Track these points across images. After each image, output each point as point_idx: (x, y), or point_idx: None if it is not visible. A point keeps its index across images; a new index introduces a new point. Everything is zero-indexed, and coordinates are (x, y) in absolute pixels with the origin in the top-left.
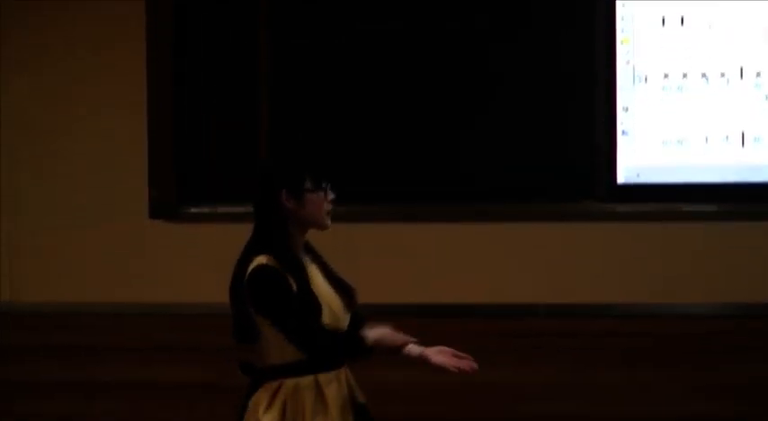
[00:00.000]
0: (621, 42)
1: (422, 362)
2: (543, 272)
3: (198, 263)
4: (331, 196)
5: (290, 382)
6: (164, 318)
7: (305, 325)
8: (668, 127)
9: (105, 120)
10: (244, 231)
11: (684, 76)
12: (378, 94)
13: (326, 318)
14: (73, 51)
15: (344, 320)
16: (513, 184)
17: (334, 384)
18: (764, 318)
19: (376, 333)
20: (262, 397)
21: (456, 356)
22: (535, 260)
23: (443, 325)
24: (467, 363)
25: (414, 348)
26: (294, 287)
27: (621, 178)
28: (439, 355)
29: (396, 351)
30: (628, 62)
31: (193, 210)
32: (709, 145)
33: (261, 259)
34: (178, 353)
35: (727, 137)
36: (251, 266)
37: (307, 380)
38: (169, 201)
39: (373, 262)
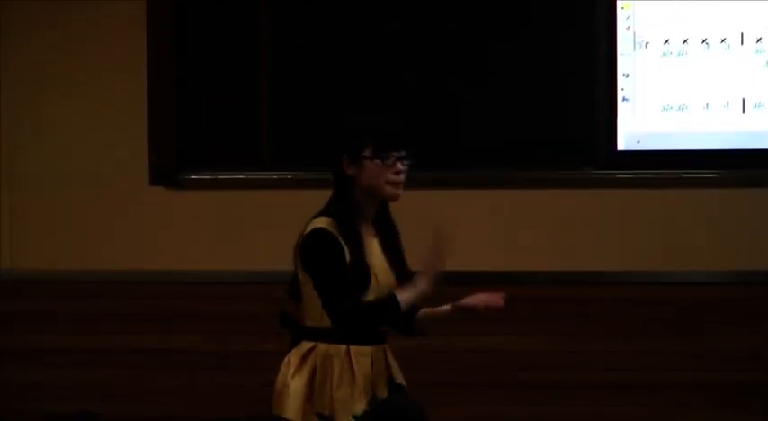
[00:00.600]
0: (622, 8)
1: (456, 311)
2: (543, 239)
3: (198, 230)
4: (399, 167)
5: (322, 347)
6: (164, 286)
7: (340, 294)
8: (669, 93)
9: (105, 86)
10: (244, 198)
11: (685, 41)
12: (375, 60)
13: (373, 293)
14: (72, 16)
15: None
16: (514, 151)
17: (367, 359)
18: (765, 286)
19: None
20: (294, 357)
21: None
22: (535, 227)
23: (442, 292)
24: (492, 298)
25: (445, 307)
26: (347, 255)
27: (622, 145)
28: (468, 300)
29: (433, 319)
30: (628, 28)
31: (193, 176)
32: (710, 111)
33: (320, 221)
34: (178, 321)
35: (727, 103)
36: (309, 227)
37: (338, 348)
38: (169, 167)
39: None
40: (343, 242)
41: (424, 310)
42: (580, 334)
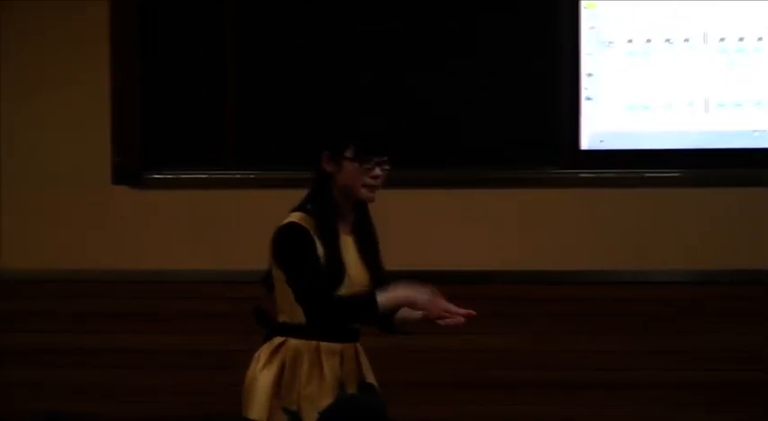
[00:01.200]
0: (586, 7)
1: (425, 319)
2: (507, 238)
3: (161, 229)
4: (378, 172)
5: (292, 342)
6: (126, 285)
7: (313, 287)
8: (632, 93)
9: (69, 86)
10: (207, 197)
11: (648, 41)
12: (339, 60)
13: (345, 290)
14: (35, 16)
15: None
16: (478, 151)
17: (336, 356)
18: (726, 285)
19: (393, 297)
20: (264, 352)
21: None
22: (499, 226)
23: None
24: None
25: (415, 314)
26: (320, 250)
27: (585, 144)
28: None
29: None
30: (592, 27)
31: (157, 176)
32: (673, 111)
33: (294, 216)
34: (139, 320)
35: (690, 102)
36: (284, 221)
37: (308, 344)
38: (133, 167)
39: None
40: (316, 237)
41: (404, 312)
42: (546, 332)
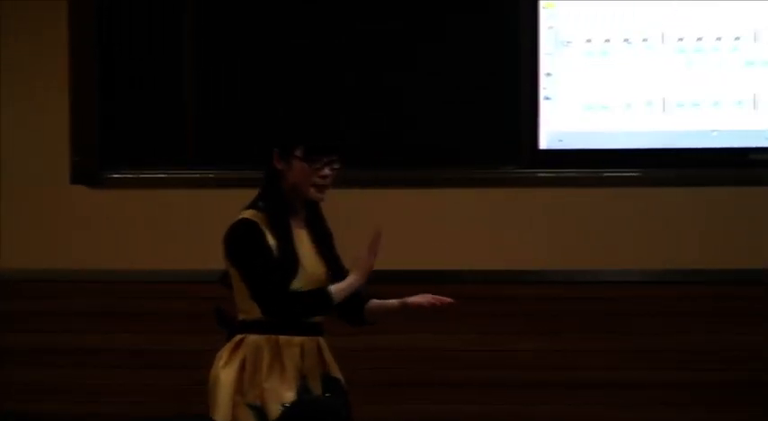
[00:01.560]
0: (545, 7)
1: (403, 307)
2: (466, 237)
3: (120, 229)
4: (327, 172)
5: (251, 338)
6: (85, 285)
7: (268, 282)
8: (591, 92)
9: (27, 85)
10: (166, 197)
11: (607, 41)
12: (298, 60)
13: (300, 283)
14: None
15: None
16: (437, 150)
17: (297, 349)
18: (685, 284)
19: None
20: (225, 350)
21: (433, 297)
22: (458, 226)
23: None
24: (439, 299)
25: (395, 301)
26: (274, 245)
27: (544, 144)
28: (416, 298)
29: (383, 311)
30: (551, 27)
31: (115, 175)
32: (632, 110)
33: (246, 213)
34: (98, 319)
35: (649, 102)
36: (235, 219)
37: (268, 339)
38: (91, 166)
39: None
40: (269, 232)
41: (375, 302)
42: (504, 332)
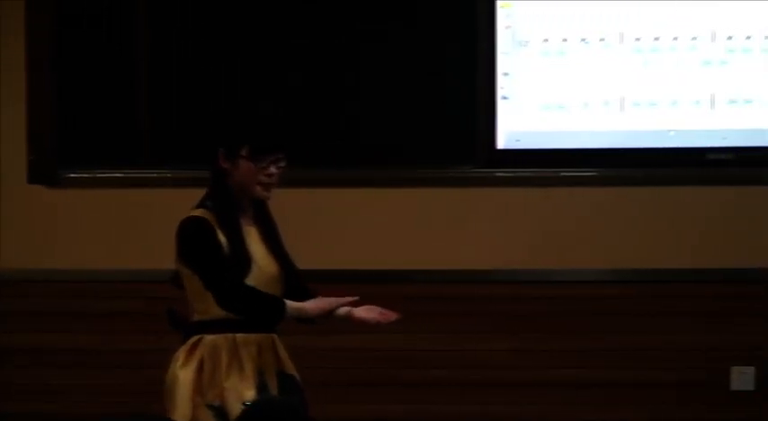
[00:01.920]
0: (502, 7)
1: (348, 318)
2: (424, 237)
3: (77, 228)
4: (272, 170)
5: (208, 338)
6: (42, 284)
7: (224, 277)
8: (548, 92)
9: None
10: (123, 196)
11: (564, 40)
12: (254, 59)
13: (254, 280)
14: None
15: (275, 290)
16: (394, 150)
17: (254, 347)
18: (643, 284)
19: (300, 304)
20: (181, 351)
21: (380, 313)
22: (416, 225)
23: (328, 291)
24: (385, 315)
25: (341, 310)
26: (224, 242)
27: (501, 143)
28: (362, 311)
29: (323, 315)
30: (508, 27)
31: (72, 175)
32: (589, 110)
33: (195, 212)
34: (55, 319)
35: (606, 102)
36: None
37: (225, 337)
38: (48, 165)
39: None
40: (219, 230)
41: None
42: (464, 332)
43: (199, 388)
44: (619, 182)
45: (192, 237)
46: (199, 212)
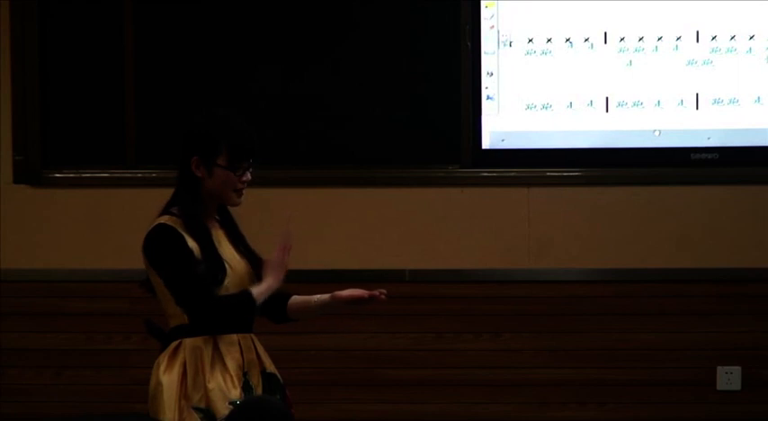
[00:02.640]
0: (486, 6)
1: (335, 301)
2: (409, 237)
3: (63, 228)
4: (248, 177)
5: (188, 341)
6: (26, 284)
7: (192, 289)
8: (533, 92)
9: None
10: (109, 196)
11: (549, 40)
12: (239, 59)
13: (229, 282)
14: None
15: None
16: (379, 150)
17: (235, 347)
18: (628, 283)
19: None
20: (163, 357)
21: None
22: (401, 225)
23: (311, 290)
24: (374, 294)
25: (321, 297)
26: (195, 249)
27: (486, 143)
28: (347, 291)
29: (307, 307)
30: (492, 27)
31: (58, 175)
32: (574, 110)
33: (162, 219)
34: (42, 319)
35: (591, 102)
36: (151, 225)
37: (205, 339)
38: (34, 165)
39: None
40: (189, 237)
41: (298, 298)
42: (447, 331)
43: (184, 392)
44: (604, 181)
45: (160, 246)
46: (165, 219)
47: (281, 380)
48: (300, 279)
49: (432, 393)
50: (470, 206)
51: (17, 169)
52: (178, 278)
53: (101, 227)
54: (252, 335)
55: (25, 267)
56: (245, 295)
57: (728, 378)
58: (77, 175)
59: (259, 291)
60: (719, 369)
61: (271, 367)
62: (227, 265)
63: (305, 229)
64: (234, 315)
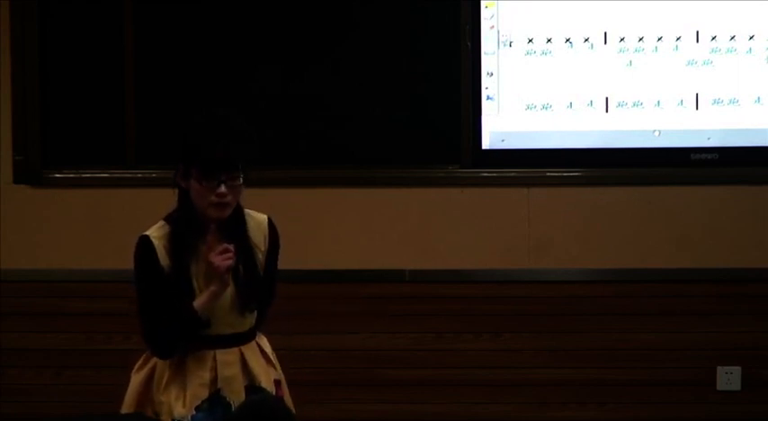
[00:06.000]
0: (486, 7)
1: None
2: (409, 237)
3: (63, 228)
4: (222, 190)
5: None
6: (29, 284)
7: (145, 317)
8: (533, 92)
9: None
10: (109, 196)
11: (549, 40)
12: (238, 58)
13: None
14: None
15: (228, 316)
16: (379, 150)
17: (207, 363)
18: (628, 284)
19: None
20: (142, 356)
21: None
22: (401, 225)
23: (311, 290)
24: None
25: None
26: (167, 267)
27: (486, 143)
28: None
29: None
30: (492, 27)
31: (58, 175)
32: (574, 110)
33: (155, 226)
34: (43, 320)
35: (591, 102)
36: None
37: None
38: (34, 165)
39: None
40: (167, 252)
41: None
42: (447, 331)
43: (145, 394)
44: (604, 182)
45: (135, 263)
46: (156, 228)
47: (273, 392)
48: (300, 279)
49: (432, 393)
50: (470, 206)
51: (17, 169)
52: (139, 298)
53: (101, 227)
54: (242, 347)
55: (25, 267)
56: (185, 310)
57: (728, 378)
58: (77, 175)
59: (200, 301)
60: (719, 369)
61: (265, 383)
62: (195, 287)
63: (305, 229)
64: (182, 334)
